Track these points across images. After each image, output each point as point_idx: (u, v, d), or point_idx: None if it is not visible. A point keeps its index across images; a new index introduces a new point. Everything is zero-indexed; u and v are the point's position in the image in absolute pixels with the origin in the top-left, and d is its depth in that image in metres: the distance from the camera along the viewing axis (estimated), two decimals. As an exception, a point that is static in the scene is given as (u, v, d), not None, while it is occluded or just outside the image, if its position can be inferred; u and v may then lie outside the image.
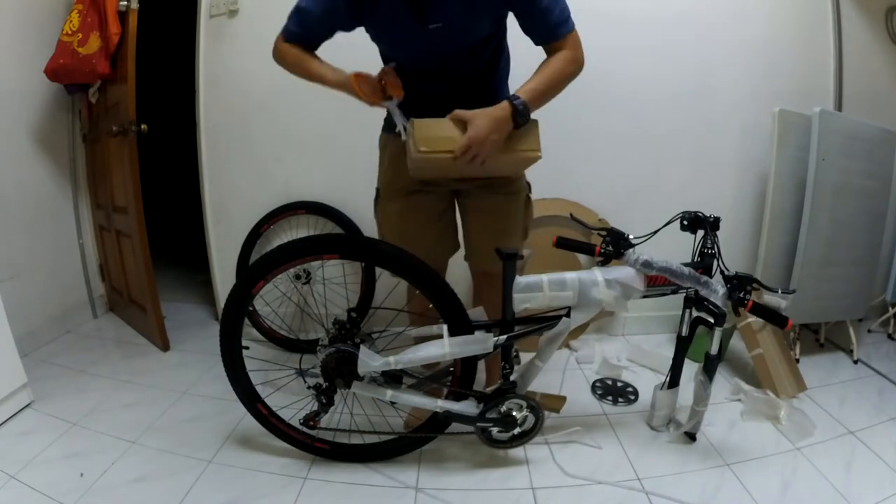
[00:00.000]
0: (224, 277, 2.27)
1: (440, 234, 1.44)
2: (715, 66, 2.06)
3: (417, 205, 1.37)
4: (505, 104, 1.11)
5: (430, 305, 1.25)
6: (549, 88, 1.15)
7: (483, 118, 1.09)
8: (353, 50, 1.28)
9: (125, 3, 1.84)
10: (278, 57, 1.25)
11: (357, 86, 1.14)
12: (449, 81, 1.24)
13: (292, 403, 1.41)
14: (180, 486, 1.28)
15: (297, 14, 1.19)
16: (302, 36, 1.21)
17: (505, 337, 1.25)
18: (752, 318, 1.74)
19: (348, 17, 1.17)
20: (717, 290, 1.29)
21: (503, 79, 1.33)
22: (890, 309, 2.23)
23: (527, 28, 1.18)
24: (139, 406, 1.64)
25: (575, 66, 1.17)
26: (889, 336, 2.23)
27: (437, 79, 1.23)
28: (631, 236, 1.28)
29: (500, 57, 1.28)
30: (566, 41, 1.16)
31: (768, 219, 1.92)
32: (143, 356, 2.03)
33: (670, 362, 1.50)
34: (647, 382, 1.75)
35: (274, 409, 1.37)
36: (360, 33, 1.24)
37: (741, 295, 1.27)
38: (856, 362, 1.98)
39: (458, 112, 1.13)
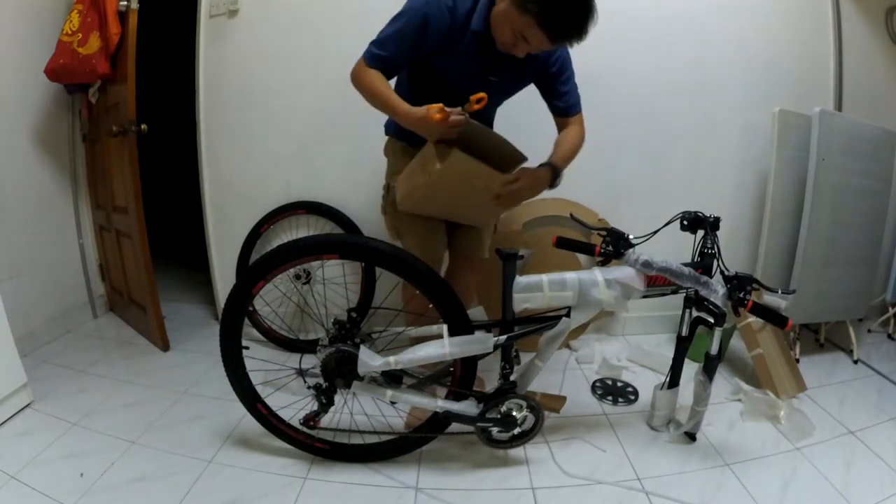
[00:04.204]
0: (224, 277, 2.27)
1: (445, 226, 1.51)
2: (715, 67, 2.06)
3: None
4: (548, 170, 1.32)
5: (430, 305, 1.25)
6: (572, 158, 1.39)
7: (532, 178, 1.30)
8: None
9: (125, 3, 1.84)
10: (362, 80, 1.27)
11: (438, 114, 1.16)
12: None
13: (292, 403, 1.41)
14: (180, 486, 1.28)
15: (384, 43, 1.25)
16: (388, 62, 1.26)
17: (505, 337, 1.25)
18: (752, 318, 1.74)
19: (425, 51, 1.26)
20: (717, 290, 1.29)
21: None
22: (890, 309, 2.24)
23: (554, 98, 1.41)
24: (139, 406, 1.64)
25: (583, 141, 1.43)
26: (889, 336, 2.24)
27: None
28: (631, 236, 1.28)
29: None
30: (579, 117, 1.43)
31: (768, 219, 1.92)
32: (143, 356, 2.03)
33: (670, 362, 1.50)
34: (647, 382, 1.76)
35: (274, 409, 1.37)
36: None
37: (741, 295, 1.27)
38: (856, 362, 1.98)
39: (523, 169, 1.31)
